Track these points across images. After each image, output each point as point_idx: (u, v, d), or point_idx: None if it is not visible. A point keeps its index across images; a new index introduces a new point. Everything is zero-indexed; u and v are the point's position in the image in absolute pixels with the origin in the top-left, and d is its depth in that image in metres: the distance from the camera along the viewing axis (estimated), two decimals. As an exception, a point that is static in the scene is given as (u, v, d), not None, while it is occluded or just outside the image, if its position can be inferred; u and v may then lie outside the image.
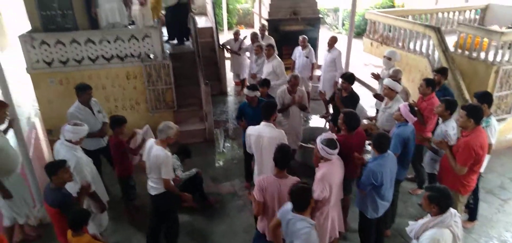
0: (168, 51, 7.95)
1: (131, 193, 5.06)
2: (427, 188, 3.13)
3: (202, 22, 11.11)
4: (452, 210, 3.00)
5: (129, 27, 7.31)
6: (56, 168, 3.46)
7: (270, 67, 6.99)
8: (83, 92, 5.03)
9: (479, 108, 4.08)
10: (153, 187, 4.24)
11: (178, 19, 8.27)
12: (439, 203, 2.96)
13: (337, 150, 3.66)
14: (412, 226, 3.13)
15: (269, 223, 3.54)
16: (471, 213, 5.18)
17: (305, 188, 3.02)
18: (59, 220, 3.47)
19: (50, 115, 6.52)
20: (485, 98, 4.59)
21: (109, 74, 6.70)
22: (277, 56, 7.19)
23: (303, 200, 2.98)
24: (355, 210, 4.41)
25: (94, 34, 6.49)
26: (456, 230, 2.98)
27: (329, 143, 3.62)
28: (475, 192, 5.01)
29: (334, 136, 3.78)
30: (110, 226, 4.65)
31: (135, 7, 7.22)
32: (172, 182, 4.20)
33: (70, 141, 4.04)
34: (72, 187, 3.80)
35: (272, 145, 3.88)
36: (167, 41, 9.04)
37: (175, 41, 9.17)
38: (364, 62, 12.41)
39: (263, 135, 4.23)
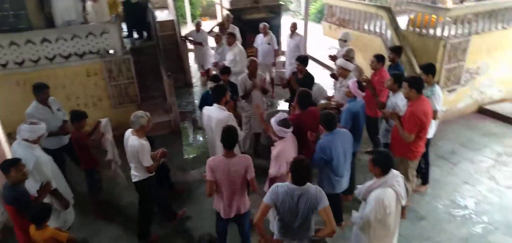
0: (128, 46, 7.92)
1: (96, 186, 5.08)
2: (370, 152, 3.38)
3: (163, 15, 11.07)
4: (394, 171, 3.26)
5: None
6: (9, 166, 3.47)
7: (232, 54, 7.13)
8: (40, 91, 4.98)
9: (418, 79, 4.39)
10: (134, 174, 4.38)
11: (136, 14, 8.23)
12: (381, 165, 3.20)
13: (291, 129, 3.91)
14: (360, 189, 3.37)
15: (222, 201, 3.74)
16: (423, 177, 5.55)
17: (307, 161, 3.16)
18: (17, 218, 3.51)
19: (9, 119, 6.33)
20: (429, 69, 4.92)
21: (68, 72, 6.63)
22: (238, 44, 7.34)
23: (309, 172, 3.11)
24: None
25: (50, 33, 6.41)
26: (399, 189, 3.24)
27: (284, 123, 3.87)
28: (426, 158, 5.36)
29: (286, 115, 3.98)
30: (77, 222, 4.67)
31: (89, 3, 7.15)
32: (152, 165, 4.30)
33: (27, 140, 4.03)
34: (32, 186, 3.81)
35: (219, 126, 4.08)
36: (127, 37, 8.97)
37: (136, 36, 9.12)
38: (328, 46, 12.70)
39: (212, 116, 4.44)
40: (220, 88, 4.62)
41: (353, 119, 4.52)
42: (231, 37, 7.21)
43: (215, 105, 4.52)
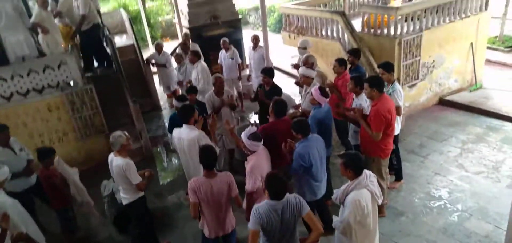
0: (89, 75, 7.70)
1: (70, 225, 4.89)
2: (341, 156, 3.47)
3: (122, 40, 10.85)
4: (366, 171, 3.37)
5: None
6: None
7: (196, 73, 7.11)
8: (0, 133, 4.77)
9: (378, 78, 4.58)
10: (124, 197, 4.33)
11: (92, 42, 8.01)
12: (352, 167, 3.30)
13: (261, 142, 3.96)
14: (336, 193, 3.46)
15: (208, 222, 3.72)
16: (397, 173, 5.72)
17: (280, 175, 3.18)
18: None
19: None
20: (387, 67, 5.14)
21: (28, 109, 6.38)
22: (202, 62, 7.32)
23: (284, 184, 3.12)
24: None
25: (4, 71, 6.15)
26: (373, 188, 3.34)
27: (254, 137, 3.92)
28: (397, 154, 5.54)
29: (255, 129, 4.03)
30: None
31: (40, 35, 6.91)
32: (142, 182, 4.23)
33: (-10, 186, 3.85)
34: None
35: (192, 146, 4.09)
36: (87, 66, 8.69)
37: (96, 64, 8.86)
38: (291, 54, 12.89)
39: (183, 137, 4.44)
40: (187, 108, 4.61)
41: (319, 125, 4.62)
42: (193, 56, 7.20)
43: (184, 125, 4.49)
